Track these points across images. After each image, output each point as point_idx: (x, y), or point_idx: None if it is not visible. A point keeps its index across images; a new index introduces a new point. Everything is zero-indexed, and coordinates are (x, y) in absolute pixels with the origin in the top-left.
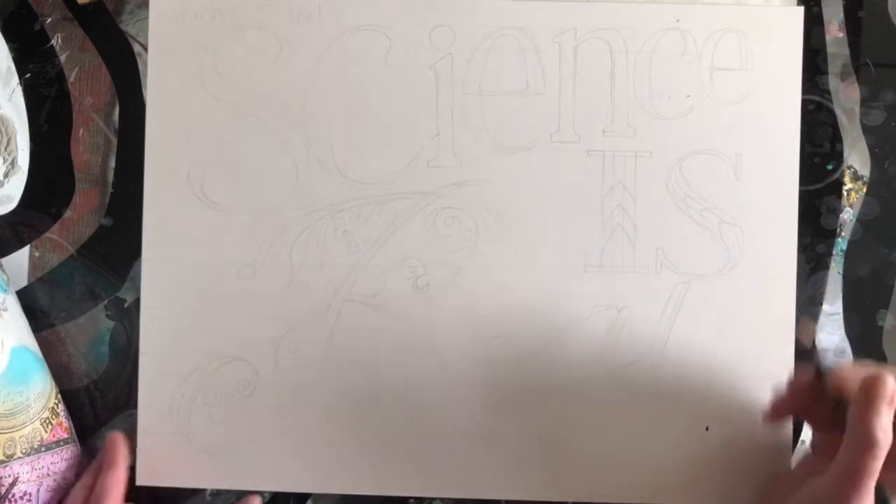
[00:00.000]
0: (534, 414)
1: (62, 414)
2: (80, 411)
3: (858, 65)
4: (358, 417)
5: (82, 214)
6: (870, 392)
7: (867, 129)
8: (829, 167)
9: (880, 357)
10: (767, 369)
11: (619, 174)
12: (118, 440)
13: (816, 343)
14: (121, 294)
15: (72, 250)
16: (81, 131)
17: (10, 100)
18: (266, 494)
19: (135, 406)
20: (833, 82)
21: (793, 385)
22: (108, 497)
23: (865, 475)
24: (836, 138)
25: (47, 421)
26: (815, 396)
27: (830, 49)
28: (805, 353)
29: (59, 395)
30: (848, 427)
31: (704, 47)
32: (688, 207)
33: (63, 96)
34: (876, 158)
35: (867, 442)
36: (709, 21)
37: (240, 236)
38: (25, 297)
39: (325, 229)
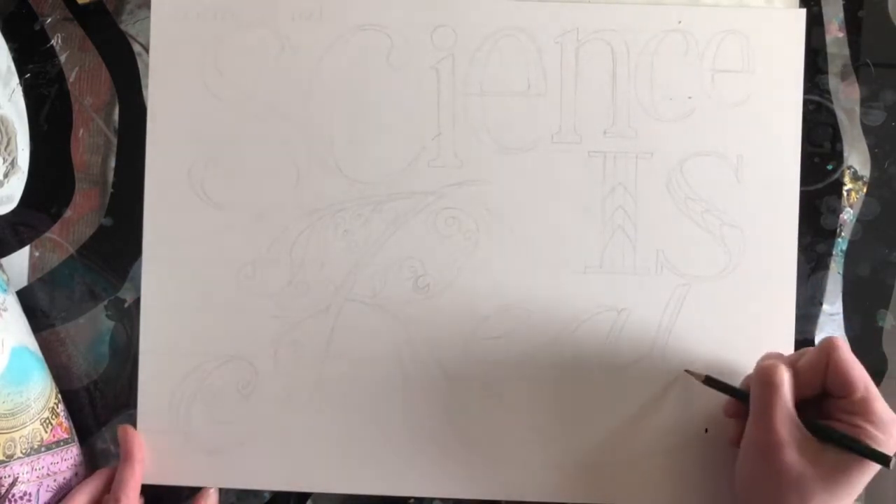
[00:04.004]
0: (533, 415)
1: (62, 414)
2: (80, 411)
3: (858, 65)
4: (358, 417)
5: (82, 214)
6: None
7: (867, 129)
8: (829, 167)
9: (880, 357)
10: None
11: (620, 175)
12: (132, 433)
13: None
14: (121, 294)
15: (72, 250)
16: (81, 131)
17: (10, 100)
18: (266, 494)
19: (135, 406)
20: (833, 82)
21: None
22: (125, 490)
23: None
24: (836, 138)
25: (47, 421)
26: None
27: (830, 49)
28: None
29: (59, 395)
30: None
31: (706, 49)
32: (688, 209)
33: (63, 96)
34: (876, 158)
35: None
36: (711, 23)
37: (240, 236)
38: (25, 297)
39: (325, 229)
